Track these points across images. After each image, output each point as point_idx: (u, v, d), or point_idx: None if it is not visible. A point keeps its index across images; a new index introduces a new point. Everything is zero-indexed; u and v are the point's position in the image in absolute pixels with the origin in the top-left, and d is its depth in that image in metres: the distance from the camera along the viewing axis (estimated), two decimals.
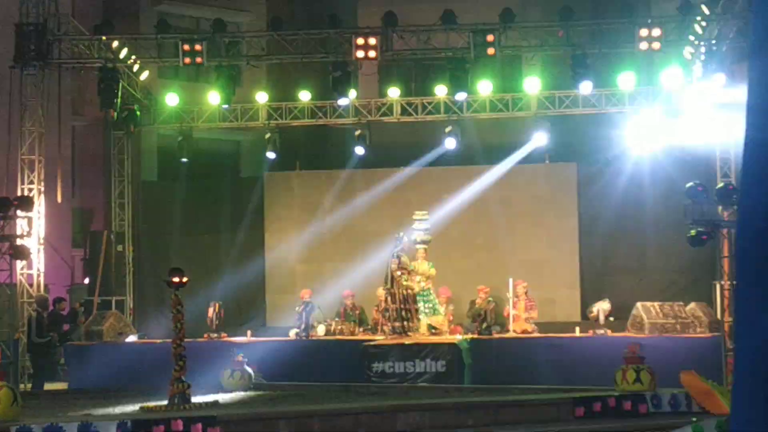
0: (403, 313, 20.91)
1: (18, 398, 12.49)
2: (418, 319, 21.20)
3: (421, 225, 22.03)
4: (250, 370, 18.08)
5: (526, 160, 25.03)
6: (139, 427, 12.25)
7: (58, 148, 23.65)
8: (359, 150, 24.86)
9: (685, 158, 23.58)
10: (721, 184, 21.05)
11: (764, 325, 1.65)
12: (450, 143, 24.53)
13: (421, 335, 21.02)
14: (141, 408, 13.93)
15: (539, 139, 24.21)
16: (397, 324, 20.89)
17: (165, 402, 14.09)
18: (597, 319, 21.75)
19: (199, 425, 12.49)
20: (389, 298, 21.21)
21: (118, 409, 14.17)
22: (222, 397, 15.80)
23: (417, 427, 13.71)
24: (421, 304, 21.66)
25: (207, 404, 14.23)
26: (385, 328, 21.89)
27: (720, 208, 19.83)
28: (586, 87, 22.46)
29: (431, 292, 22.09)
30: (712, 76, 21.96)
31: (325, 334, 22.05)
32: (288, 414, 13.52)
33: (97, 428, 12.09)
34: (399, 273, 21.22)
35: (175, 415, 12.83)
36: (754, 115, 1.64)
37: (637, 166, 24.20)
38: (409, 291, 21.10)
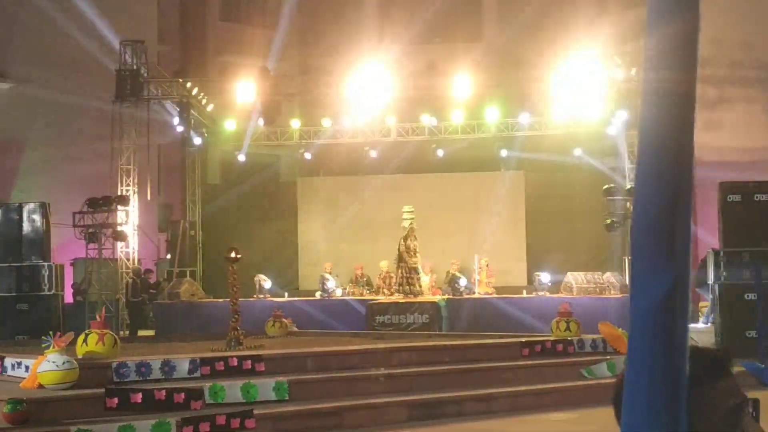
0: (409, 280, 20.82)
1: (118, 342, 12.48)
2: (420, 285, 21.04)
3: (408, 216, 22.00)
4: (286, 321, 18.05)
5: (487, 168, 25.07)
6: (205, 363, 12.21)
7: (147, 160, 23.62)
8: (372, 159, 24.91)
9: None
10: (629, 186, 21.04)
11: (652, 292, 1.62)
12: (434, 156, 24.64)
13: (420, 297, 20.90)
14: (207, 349, 13.88)
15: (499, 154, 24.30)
16: (405, 287, 20.77)
17: (224, 344, 14.05)
18: (537, 283, 21.74)
19: (249, 361, 12.46)
20: (400, 270, 21.05)
21: (191, 350, 14.12)
22: (266, 341, 15.76)
23: (407, 363, 13.68)
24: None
25: (255, 346, 14.18)
26: (386, 291, 21.90)
27: (628, 203, 19.80)
28: (521, 109, 22.51)
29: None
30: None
31: (341, 296, 22.04)
32: (313, 354, 13.49)
33: (174, 363, 12.06)
34: (405, 252, 21.07)
35: (231, 354, 12.79)
36: (646, 122, 1.61)
37: (568, 172, 24.21)
38: (413, 265, 20.97)
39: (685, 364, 1.66)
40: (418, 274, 21.20)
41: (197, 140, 24.67)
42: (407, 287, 20.72)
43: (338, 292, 22.10)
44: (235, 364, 12.29)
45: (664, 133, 1.62)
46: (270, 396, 11.59)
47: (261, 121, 24.19)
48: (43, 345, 11.21)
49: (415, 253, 21.06)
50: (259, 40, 28.73)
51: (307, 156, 25.51)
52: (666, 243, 1.63)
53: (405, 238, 20.94)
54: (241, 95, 22.63)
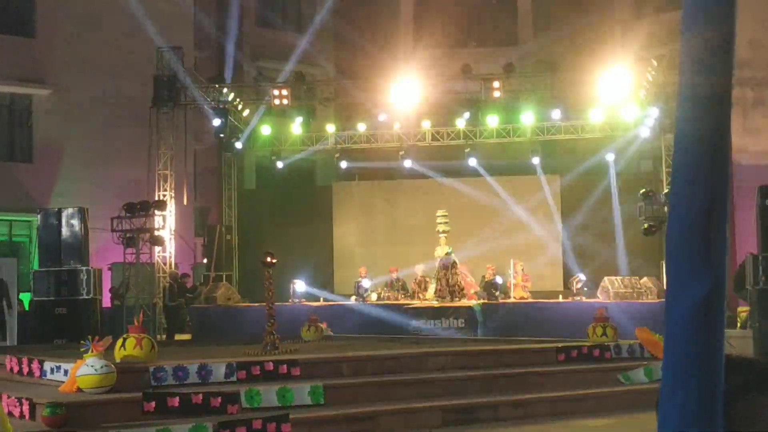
0: (454, 292, 20.88)
1: (155, 345, 12.58)
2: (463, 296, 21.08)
3: (442, 220, 21.96)
4: (322, 325, 18.08)
5: (523, 171, 24.98)
6: (241, 367, 12.27)
7: (184, 165, 23.77)
8: (407, 163, 24.92)
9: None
10: (666, 190, 20.86)
11: (688, 298, 1.61)
12: (469, 161, 24.59)
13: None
14: (243, 353, 13.93)
15: (534, 158, 24.25)
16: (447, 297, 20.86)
17: (260, 349, 14.09)
18: (576, 289, 21.61)
19: (285, 366, 12.50)
20: (444, 281, 21.09)
21: (227, 354, 14.18)
22: (301, 346, 15.79)
23: (443, 367, 13.66)
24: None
25: (291, 350, 14.21)
26: (420, 295, 21.88)
27: (665, 207, 19.62)
28: (556, 113, 22.38)
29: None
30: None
31: (376, 300, 22.04)
32: (348, 358, 13.50)
33: (211, 367, 12.12)
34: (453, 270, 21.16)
35: (267, 358, 12.84)
36: (682, 127, 1.60)
37: (605, 176, 24.09)
38: (457, 280, 21.06)
39: (721, 370, 1.64)
40: (461, 287, 21.22)
41: (238, 145, 24.80)
42: (450, 298, 20.76)
43: (373, 297, 22.10)
44: (271, 368, 12.33)
45: (700, 137, 1.61)
46: (305, 400, 11.62)
47: (297, 127, 24.28)
48: (82, 349, 11.31)
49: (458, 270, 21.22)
50: (295, 45, 28.84)
51: (343, 165, 25.56)
52: (702, 249, 1.62)
53: (448, 270, 21.04)
54: (276, 100, 22.71)
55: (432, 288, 21.45)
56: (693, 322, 1.61)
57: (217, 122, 23.30)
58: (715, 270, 1.62)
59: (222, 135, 23.89)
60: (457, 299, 20.80)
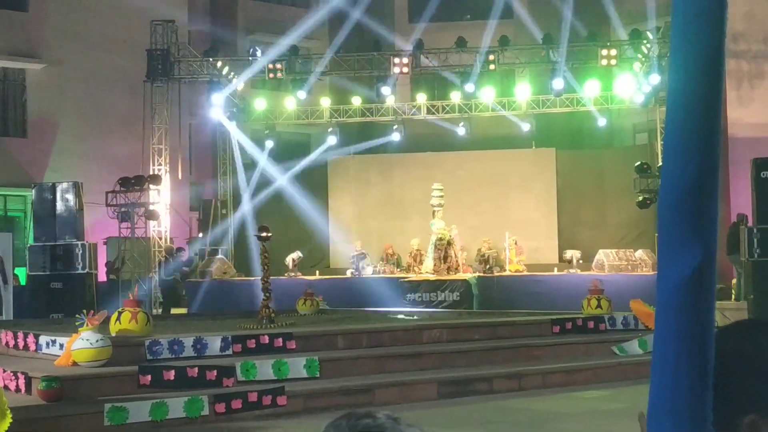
0: (450, 268, 20.96)
1: (150, 320, 12.55)
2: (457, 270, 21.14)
3: (437, 193, 21.95)
4: (317, 299, 18.10)
5: (518, 145, 24.95)
6: (236, 340, 12.28)
7: (179, 139, 23.71)
8: (396, 136, 24.92)
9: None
10: (660, 163, 20.86)
11: (679, 269, 1.60)
12: (461, 133, 24.56)
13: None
14: (239, 326, 13.94)
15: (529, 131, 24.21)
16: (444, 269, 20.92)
17: (255, 322, 14.10)
18: (570, 261, 21.65)
19: (280, 339, 12.51)
20: (441, 254, 21.15)
21: (222, 328, 14.19)
22: (297, 319, 15.81)
23: (438, 340, 13.70)
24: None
25: (286, 324, 14.23)
26: (416, 268, 21.92)
27: (660, 180, 19.63)
28: (558, 83, 22.27)
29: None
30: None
31: (372, 274, 22.07)
32: (344, 331, 13.53)
33: (206, 341, 12.13)
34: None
35: (262, 332, 12.85)
36: (673, 99, 1.56)
37: (600, 149, 24.08)
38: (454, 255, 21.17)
39: (712, 341, 1.64)
40: (456, 258, 21.27)
41: (230, 119, 24.74)
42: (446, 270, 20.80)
43: (369, 270, 22.13)
44: (267, 341, 12.35)
45: (692, 105, 1.60)
46: (301, 373, 11.65)
47: (292, 101, 24.20)
48: (77, 323, 11.31)
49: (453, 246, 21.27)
50: (289, 19, 28.70)
51: (333, 140, 25.46)
52: (694, 219, 1.61)
53: (447, 245, 21.07)
54: (271, 74, 22.61)
55: (428, 262, 21.47)
56: (685, 292, 1.61)
57: (213, 97, 23.21)
58: (707, 241, 1.61)
59: (216, 109, 23.79)
60: (453, 273, 20.85)
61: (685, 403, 1.59)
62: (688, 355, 1.59)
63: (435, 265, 21.05)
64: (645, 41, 21.96)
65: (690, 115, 1.58)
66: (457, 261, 21.22)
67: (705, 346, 1.60)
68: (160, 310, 21.39)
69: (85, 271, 19.52)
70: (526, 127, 24.22)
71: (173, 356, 11.75)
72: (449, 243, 21.21)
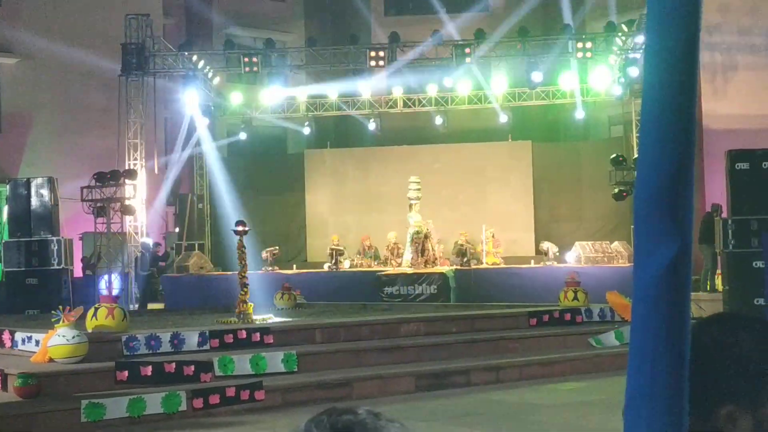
0: (428, 262, 20.97)
1: (127, 316, 12.51)
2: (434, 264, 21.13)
3: (414, 186, 21.95)
4: (295, 293, 18.08)
5: (494, 138, 24.99)
6: (213, 335, 12.26)
7: (155, 133, 23.59)
8: (371, 126, 24.90)
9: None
10: (636, 155, 20.97)
11: (655, 261, 1.60)
12: (438, 126, 24.58)
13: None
14: (216, 321, 13.92)
15: (505, 124, 24.26)
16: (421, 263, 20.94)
17: (233, 317, 14.07)
18: (546, 254, 21.72)
19: (258, 334, 12.51)
20: (418, 248, 21.16)
21: (200, 323, 14.16)
22: (274, 314, 15.77)
23: (415, 333, 13.72)
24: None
25: (263, 319, 14.21)
26: (393, 262, 21.92)
27: (635, 172, 19.71)
28: (536, 76, 22.30)
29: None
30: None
31: (349, 267, 22.07)
32: (322, 325, 13.53)
33: (183, 336, 12.11)
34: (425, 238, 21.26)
35: (240, 326, 12.83)
36: (648, 91, 1.54)
37: (576, 141, 24.17)
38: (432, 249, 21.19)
39: (688, 332, 1.64)
40: (434, 251, 21.29)
41: (204, 113, 24.62)
42: (424, 264, 20.82)
43: (346, 264, 22.12)
44: (244, 336, 12.34)
45: (666, 96, 1.60)
46: (279, 368, 11.64)
47: (268, 95, 24.11)
48: (53, 319, 11.25)
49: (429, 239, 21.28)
50: (265, 12, 28.62)
51: (307, 130, 25.40)
52: (669, 211, 1.61)
53: (424, 239, 21.07)
54: (247, 68, 22.53)
55: (406, 255, 21.48)
56: (661, 284, 1.61)
57: (187, 91, 23.08)
58: (682, 232, 1.61)
59: (191, 103, 23.68)
60: (430, 266, 20.88)
61: (661, 393, 1.59)
62: (665, 346, 1.60)
63: (412, 258, 21.06)
64: (620, 34, 22.05)
65: (665, 107, 1.58)
66: (434, 254, 21.24)
67: (681, 337, 1.60)
68: (136, 306, 21.27)
69: (61, 267, 19.38)
70: (503, 119, 24.24)
71: (150, 352, 11.73)
72: (426, 236, 21.23)
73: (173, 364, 11.09)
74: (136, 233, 22.73)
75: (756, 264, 16.06)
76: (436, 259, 21.25)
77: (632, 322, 1.67)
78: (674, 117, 1.58)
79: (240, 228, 14.51)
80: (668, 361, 1.59)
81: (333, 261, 21.98)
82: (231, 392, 10.67)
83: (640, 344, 1.63)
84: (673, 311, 1.60)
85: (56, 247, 19.42)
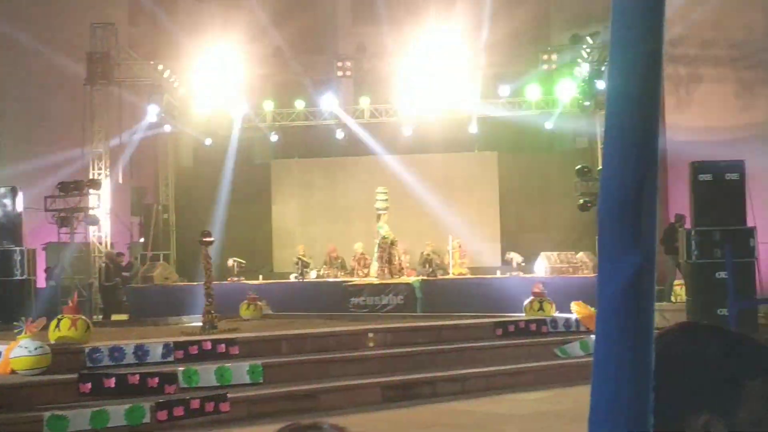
0: (394, 271, 20.99)
1: (90, 327, 12.39)
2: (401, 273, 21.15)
3: (382, 197, 21.98)
4: (261, 303, 18.01)
5: (461, 149, 25.07)
6: (178, 346, 12.18)
7: (120, 143, 23.44)
8: (339, 134, 24.87)
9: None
10: (600, 166, 21.12)
11: (619, 275, 1.60)
12: (406, 135, 24.62)
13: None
14: (181, 332, 13.83)
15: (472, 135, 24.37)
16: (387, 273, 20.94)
17: (198, 328, 14.00)
18: (511, 264, 21.81)
19: (223, 345, 12.43)
20: (386, 261, 21.17)
21: (164, 334, 14.06)
22: (240, 324, 15.70)
23: (382, 344, 13.70)
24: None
25: (229, 329, 14.13)
26: (360, 272, 21.90)
27: (599, 183, 19.86)
28: (504, 90, 22.43)
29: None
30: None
31: (316, 277, 22.03)
32: (288, 336, 13.47)
33: (148, 348, 12.01)
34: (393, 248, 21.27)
35: (205, 337, 12.75)
36: (612, 102, 1.53)
37: (542, 152, 24.31)
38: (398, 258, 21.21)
39: (652, 346, 1.64)
40: (400, 260, 21.30)
41: (168, 124, 24.51)
42: (389, 274, 20.82)
43: (312, 275, 22.07)
44: (209, 347, 12.26)
45: (630, 109, 1.60)
46: (244, 379, 11.58)
47: (234, 103, 24.03)
48: (15, 331, 11.12)
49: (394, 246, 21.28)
50: (232, 21, 28.50)
51: (274, 138, 25.36)
52: (633, 224, 1.61)
53: (390, 245, 21.09)
54: (214, 77, 22.45)
55: (374, 265, 21.48)
56: (625, 297, 1.61)
57: (152, 106, 22.97)
58: (646, 245, 1.62)
59: (156, 113, 23.56)
60: (397, 276, 20.89)
61: (625, 406, 1.60)
62: (629, 357, 1.60)
63: (378, 268, 21.05)
64: (584, 46, 22.23)
65: (628, 119, 1.59)
66: (400, 263, 21.25)
67: (646, 350, 1.61)
68: (100, 317, 21.08)
69: (24, 277, 19.16)
70: (473, 129, 24.35)
71: (114, 363, 11.62)
72: (392, 243, 21.24)
73: (137, 376, 11.00)
74: (100, 243, 22.54)
75: (719, 275, 16.22)
76: (402, 268, 21.26)
77: (596, 332, 1.68)
78: (637, 129, 1.58)
79: (206, 239, 14.47)
80: (632, 373, 1.60)
81: (299, 271, 21.93)
82: (196, 404, 10.60)
83: (604, 355, 1.64)
84: (637, 322, 1.60)
85: (20, 258, 19.19)
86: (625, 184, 1.58)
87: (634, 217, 1.58)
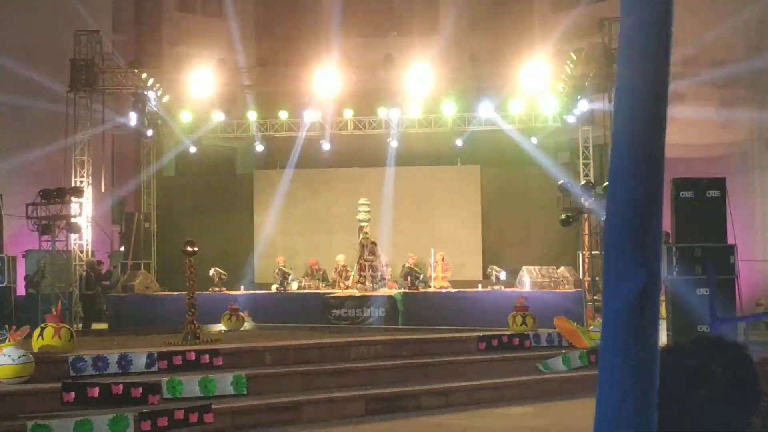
0: (376, 278, 21.08)
1: (74, 335, 12.39)
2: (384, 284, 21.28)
3: (364, 209, 22.06)
4: (242, 314, 18.02)
5: (444, 162, 25.19)
6: (162, 357, 12.18)
7: (102, 151, 23.40)
8: (325, 146, 24.91)
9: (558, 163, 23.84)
10: (583, 182, 21.25)
11: (625, 292, 1.68)
12: (390, 150, 24.69)
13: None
14: (163, 342, 13.82)
15: (455, 149, 24.50)
16: (360, 284, 21.00)
17: (180, 338, 13.99)
18: (491, 277, 21.92)
19: (207, 356, 12.45)
20: (357, 267, 21.30)
21: (145, 343, 14.04)
22: (222, 335, 15.70)
23: (365, 357, 13.76)
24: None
25: (212, 340, 14.14)
26: (341, 284, 21.96)
27: (582, 198, 20.00)
28: (485, 108, 22.57)
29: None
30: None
31: (297, 289, 22.06)
32: (271, 348, 13.48)
33: (131, 357, 12.01)
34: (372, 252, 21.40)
35: (189, 348, 12.76)
36: (620, 124, 1.60)
37: (524, 167, 24.43)
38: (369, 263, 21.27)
39: (657, 362, 1.72)
40: (378, 272, 21.37)
41: (149, 132, 24.50)
42: (362, 284, 20.89)
43: (294, 286, 22.11)
44: (193, 358, 12.28)
45: (637, 131, 1.66)
46: (228, 390, 11.60)
47: (218, 114, 24.07)
48: None
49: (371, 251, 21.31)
50: (216, 31, 28.59)
51: (259, 148, 25.40)
52: (639, 243, 1.68)
53: (372, 245, 21.20)
54: (197, 87, 22.49)
55: (353, 273, 21.57)
56: (631, 313, 1.68)
57: (134, 109, 22.96)
58: (652, 262, 1.69)
59: (139, 122, 23.55)
60: (378, 286, 20.96)
61: (629, 418, 1.67)
62: (634, 373, 1.67)
63: (359, 267, 21.07)
64: (568, 61, 22.41)
65: (635, 140, 1.66)
66: (381, 265, 21.35)
67: (650, 364, 1.68)
68: (80, 325, 21.00)
69: (4, 285, 19.10)
70: (456, 143, 24.52)
71: (97, 373, 11.62)
72: (374, 243, 21.37)
73: (120, 386, 11.00)
74: (81, 251, 22.49)
75: (699, 291, 16.38)
76: (384, 278, 21.36)
77: (602, 347, 1.75)
78: (644, 150, 1.66)
79: (189, 248, 14.47)
80: (636, 386, 1.68)
81: (279, 282, 21.96)
82: (179, 415, 10.60)
83: (610, 368, 1.72)
84: (643, 338, 1.68)
85: (0, 265, 19.15)
86: (632, 203, 1.66)
87: (640, 235, 1.67)
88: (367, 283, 20.94)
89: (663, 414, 1.72)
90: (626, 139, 1.70)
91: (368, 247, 21.21)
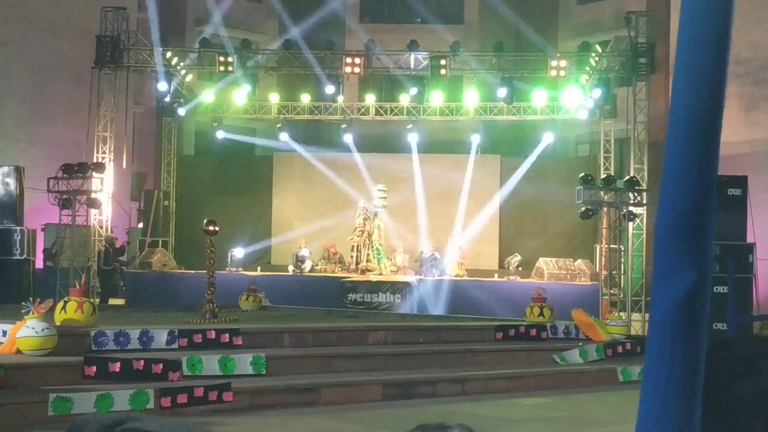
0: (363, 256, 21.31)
1: (96, 310, 12.54)
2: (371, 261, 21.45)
3: (381, 194, 22.18)
4: (260, 295, 18.17)
5: (463, 151, 25.24)
6: (182, 334, 12.32)
7: (124, 128, 23.55)
8: (347, 138, 24.96)
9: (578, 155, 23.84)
10: (604, 175, 21.30)
11: (674, 289, 1.72)
12: (411, 137, 24.73)
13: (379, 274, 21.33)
14: (182, 320, 13.97)
15: (475, 138, 24.51)
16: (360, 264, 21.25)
17: (199, 317, 14.15)
18: (507, 267, 22.02)
19: (227, 335, 12.58)
20: (354, 246, 21.55)
21: (164, 321, 14.18)
22: (240, 315, 15.85)
23: (383, 342, 13.88)
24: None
25: (230, 319, 14.29)
26: (354, 268, 22.15)
27: (602, 192, 20.06)
28: (502, 92, 22.58)
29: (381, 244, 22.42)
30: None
31: (311, 271, 22.24)
32: (291, 329, 13.61)
33: (152, 334, 12.16)
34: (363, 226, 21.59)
35: (209, 327, 12.90)
36: (676, 118, 1.58)
37: (544, 158, 24.46)
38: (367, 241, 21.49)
39: (703, 362, 1.75)
40: (370, 250, 21.55)
41: (181, 111, 24.62)
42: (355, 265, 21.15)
43: (307, 267, 22.28)
44: (213, 336, 12.41)
45: (693, 126, 1.68)
46: (247, 370, 11.73)
47: (240, 95, 24.17)
48: (23, 311, 11.26)
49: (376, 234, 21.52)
50: (240, 12, 28.67)
51: (283, 137, 25.42)
52: (691, 240, 1.69)
53: (374, 216, 21.37)
54: (221, 67, 22.59)
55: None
56: (679, 312, 1.72)
57: (162, 86, 23.05)
58: (702, 261, 1.74)
59: (166, 100, 23.68)
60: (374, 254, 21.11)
61: (673, 418, 1.74)
62: (679, 372, 1.74)
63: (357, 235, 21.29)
64: (593, 54, 22.40)
65: (691, 135, 1.70)
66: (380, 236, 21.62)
67: (696, 364, 1.74)
68: (97, 300, 21.19)
69: (23, 257, 19.31)
70: (475, 134, 24.53)
71: (119, 348, 11.76)
72: (375, 215, 21.63)
73: (141, 362, 11.14)
74: (101, 227, 22.67)
75: (717, 289, 16.43)
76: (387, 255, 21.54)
77: (648, 348, 1.81)
78: (700, 146, 1.71)
79: (211, 227, 14.61)
80: (682, 386, 1.74)
81: (296, 265, 22.13)
82: (199, 392, 10.74)
83: (655, 367, 1.78)
84: (691, 339, 1.74)
85: (19, 237, 19.35)
86: (685, 200, 1.70)
87: (693, 233, 1.71)
88: (373, 260, 21.12)
89: (705, 407, 1.77)
90: (681, 133, 1.69)
91: (371, 220, 21.40)
